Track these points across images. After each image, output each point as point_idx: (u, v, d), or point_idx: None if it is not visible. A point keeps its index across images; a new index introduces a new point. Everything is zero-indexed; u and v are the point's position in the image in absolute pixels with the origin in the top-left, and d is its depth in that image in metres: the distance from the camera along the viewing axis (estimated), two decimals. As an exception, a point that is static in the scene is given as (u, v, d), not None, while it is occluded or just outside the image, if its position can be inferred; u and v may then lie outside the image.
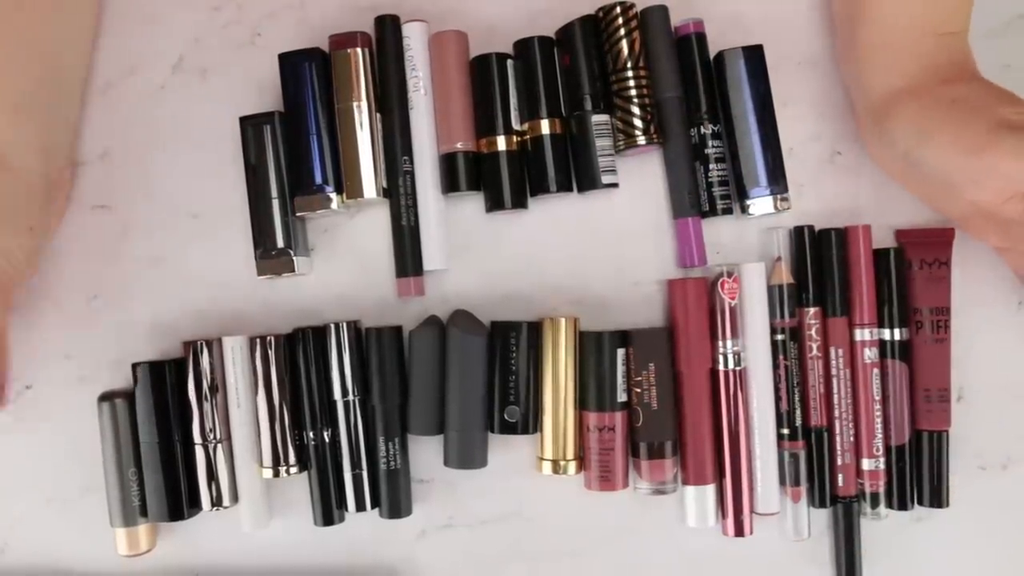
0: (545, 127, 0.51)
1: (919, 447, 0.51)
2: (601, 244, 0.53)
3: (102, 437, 0.51)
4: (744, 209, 0.51)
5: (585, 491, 0.51)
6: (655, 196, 0.53)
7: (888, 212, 0.52)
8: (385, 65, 0.51)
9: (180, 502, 0.50)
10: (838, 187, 0.53)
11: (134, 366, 0.50)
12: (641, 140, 0.50)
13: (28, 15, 0.48)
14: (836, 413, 0.51)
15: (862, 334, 0.51)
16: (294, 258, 0.50)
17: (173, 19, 0.54)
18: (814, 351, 0.50)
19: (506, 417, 0.50)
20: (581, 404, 0.51)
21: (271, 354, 0.50)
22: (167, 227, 0.53)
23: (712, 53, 0.51)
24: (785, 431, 0.50)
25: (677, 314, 0.50)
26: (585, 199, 0.52)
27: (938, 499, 0.51)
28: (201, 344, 0.50)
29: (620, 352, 0.50)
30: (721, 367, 0.50)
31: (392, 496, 0.51)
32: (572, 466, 0.51)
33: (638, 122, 0.50)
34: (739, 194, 0.51)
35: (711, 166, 0.51)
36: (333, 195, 0.50)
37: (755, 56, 0.50)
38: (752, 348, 0.50)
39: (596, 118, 0.50)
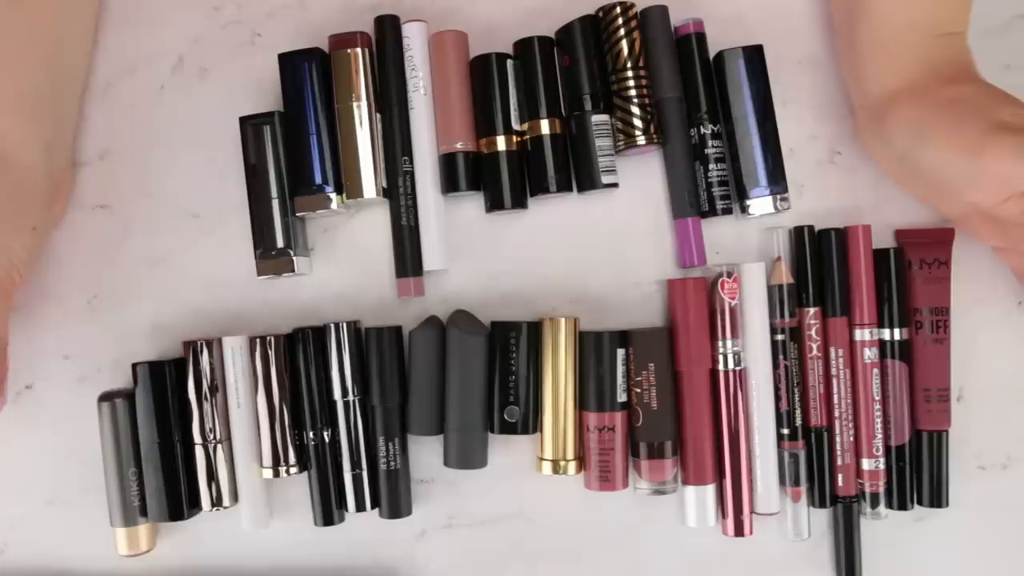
0: (545, 127, 0.51)
1: (919, 447, 0.51)
2: (601, 244, 0.53)
3: (102, 437, 0.51)
4: (744, 209, 0.51)
5: (585, 491, 0.51)
6: (655, 196, 0.53)
7: (888, 212, 0.52)
8: (385, 65, 0.51)
9: (180, 502, 0.50)
10: (838, 187, 0.53)
11: (134, 366, 0.50)
12: (641, 140, 0.50)
13: (31, 14, 0.48)
14: (836, 413, 0.51)
15: (862, 334, 0.51)
16: (294, 258, 0.50)
17: (173, 19, 0.54)
18: (814, 351, 0.50)
19: (506, 417, 0.50)
20: (581, 404, 0.51)
21: (271, 354, 0.50)
22: (167, 227, 0.53)
23: (712, 53, 0.51)
24: (785, 431, 0.50)
25: (677, 314, 0.50)
26: (585, 199, 0.52)
27: (938, 499, 0.51)
28: (201, 344, 0.50)
29: (620, 352, 0.50)
30: (721, 367, 0.50)
31: (392, 496, 0.51)
32: (572, 466, 0.51)
33: (638, 122, 0.50)
34: (739, 194, 0.51)
35: (711, 166, 0.51)
36: (333, 195, 0.50)
37: (755, 56, 0.50)
38: (752, 348, 0.50)
39: (596, 118, 0.50)
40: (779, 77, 0.51)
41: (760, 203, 0.50)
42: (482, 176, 0.51)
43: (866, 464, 0.51)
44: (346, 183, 0.50)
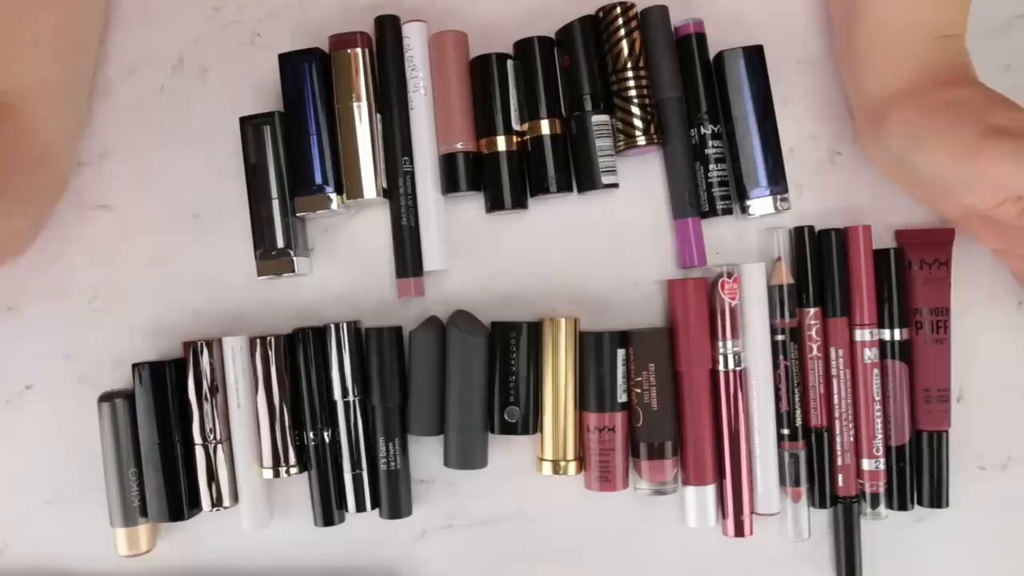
0: (545, 127, 0.51)
1: (919, 447, 0.51)
2: (601, 244, 0.53)
3: (102, 437, 0.51)
4: (744, 209, 0.51)
5: (585, 491, 0.51)
6: (655, 196, 0.53)
7: (888, 212, 0.52)
8: (385, 65, 0.51)
9: (180, 502, 0.50)
10: (838, 187, 0.53)
11: (134, 366, 0.50)
12: (641, 140, 0.50)
13: (66, 6, 0.49)
14: (836, 413, 0.51)
15: (862, 334, 0.51)
16: (294, 258, 0.50)
17: (173, 19, 0.54)
18: (814, 351, 0.50)
19: (506, 417, 0.50)
20: (581, 404, 0.51)
21: (271, 354, 0.50)
22: (167, 227, 0.53)
23: (712, 53, 0.51)
24: (785, 431, 0.50)
25: (677, 314, 0.50)
26: (585, 199, 0.52)
27: (938, 499, 0.51)
28: (201, 344, 0.50)
29: (620, 352, 0.50)
30: (721, 367, 0.50)
31: (392, 496, 0.51)
32: (572, 466, 0.51)
33: (638, 122, 0.50)
34: (739, 194, 0.51)
35: (711, 166, 0.51)
36: (333, 195, 0.50)
37: (755, 56, 0.50)
38: (752, 348, 0.50)
39: (596, 118, 0.50)
40: (779, 77, 0.51)
41: (760, 203, 0.50)
42: (482, 176, 0.51)
43: (866, 464, 0.51)
44: (346, 183, 0.50)
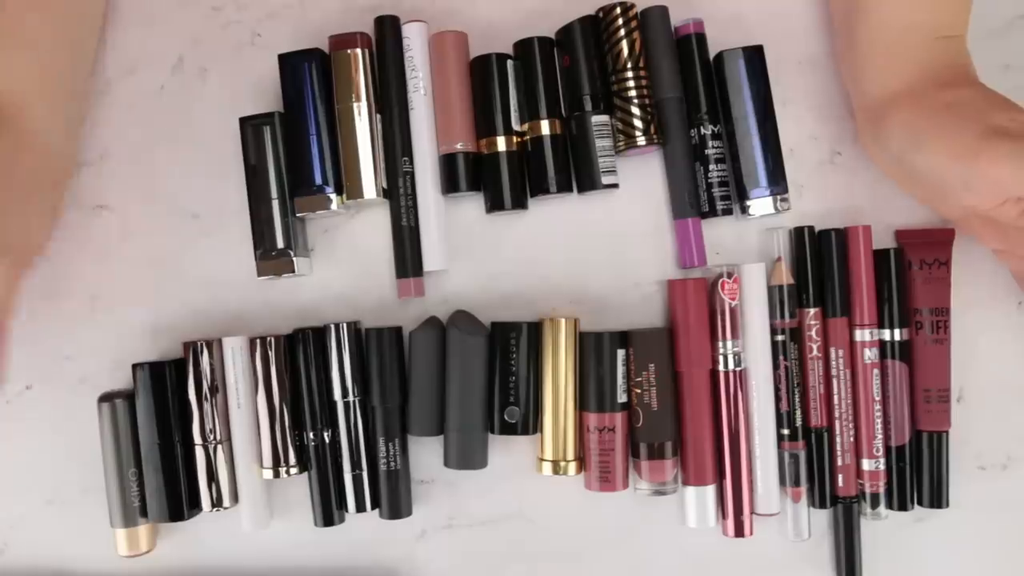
0: (545, 127, 0.51)
1: (919, 447, 0.51)
2: (601, 245, 0.53)
3: (102, 437, 0.51)
4: (744, 210, 0.51)
5: (585, 492, 0.51)
6: (655, 197, 0.53)
7: (888, 212, 0.52)
8: (385, 65, 0.51)
9: (180, 502, 0.50)
10: (838, 187, 0.53)
11: (134, 367, 0.50)
12: (641, 141, 0.50)
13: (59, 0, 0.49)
14: (836, 414, 0.51)
15: (862, 334, 0.51)
16: (294, 258, 0.50)
17: (173, 19, 0.54)
18: (814, 352, 0.50)
19: (506, 418, 0.50)
20: (581, 405, 0.51)
21: (271, 354, 0.50)
22: (167, 227, 0.53)
23: (712, 53, 0.51)
24: (785, 431, 0.50)
25: (677, 315, 0.50)
26: (585, 200, 0.52)
27: (938, 499, 0.51)
28: (201, 344, 0.50)
29: (620, 353, 0.50)
30: (721, 368, 0.50)
31: (392, 497, 0.51)
32: (572, 467, 0.51)
33: (638, 123, 0.50)
34: (739, 195, 0.51)
35: (711, 167, 0.51)
36: (333, 195, 0.50)
37: (755, 57, 0.50)
38: (752, 349, 0.50)
39: (596, 118, 0.50)
40: (779, 77, 0.51)
41: (760, 203, 0.50)
42: (482, 176, 0.51)
43: (866, 464, 0.51)
44: (346, 183, 0.50)
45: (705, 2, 0.52)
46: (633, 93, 0.50)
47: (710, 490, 0.51)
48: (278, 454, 0.50)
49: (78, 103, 0.52)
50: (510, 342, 0.50)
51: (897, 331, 0.51)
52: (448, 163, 0.51)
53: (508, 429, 0.50)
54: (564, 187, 0.51)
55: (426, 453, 0.53)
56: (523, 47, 0.51)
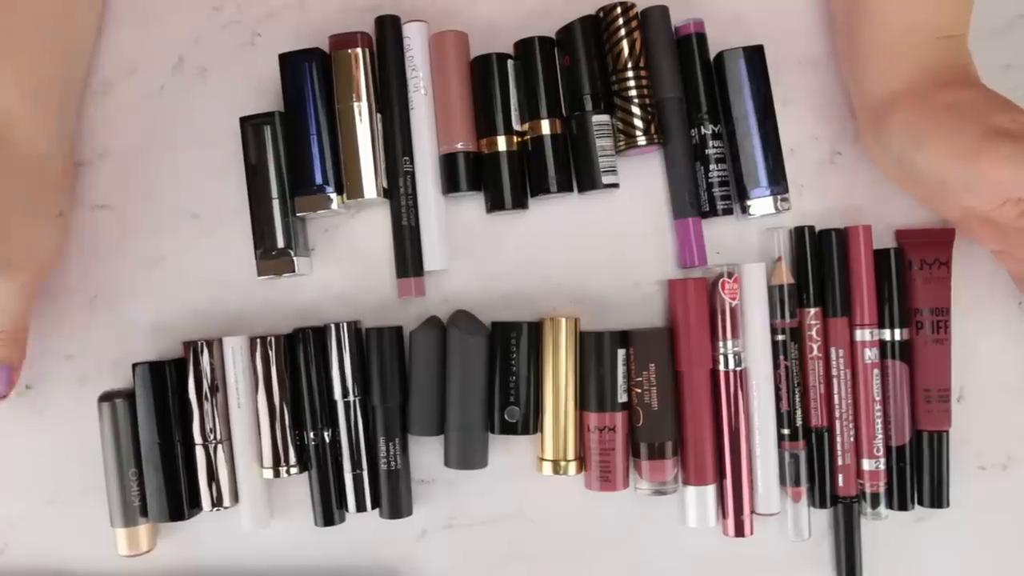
0: (545, 127, 0.51)
1: (919, 447, 0.51)
2: (601, 244, 0.53)
3: (102, 437, 0.51)
4: (744, 209, 0.51)
5: (586, 491, 0.51)
6: (655, 196, 0.53)
7: (888, 212, 0.52)
8: (385, 65, 0.51)
9: (180, 502, 0.50)
10: (838, 187, 0.53)
11: (134, 366, 0.50)
12: (641, 140, 0.50)
13: (50, 5, 0.48)
14: (836, 413, 0.51)
15: (862, 334, 0.51)
16: (294, 258, 0.50)
17: (173, 19, 0.54)
18: (815, 351, 0.50)
19: (506, 417, 0.50)
20: (581, 404, 0.51)
21: (271, 354, 0.50)
22: (167, 227, 0.53)
23: (712, 53, 0.51)
24: (785, 431, 0.50)
25: (677, 314, 0.50)
26: (585, 199, 0.52)
27: (938, 499, 0.51)
28: (201, 344, 0.50)
29: (620, 352, 0.50)
30: (721, 367, 0.50)
31: (392, 496, 0.51)
32: (572, 466, 0.51)
33: (638, 122, 0.50)
34: (739, 194, 0.51)
35: (711, 166, 0.51)
36: (333, 195, 0.50)
37: (755, 56, 0.50)
38: (752, 348, 0.50)
39: (596, 118, 0.50)
40: (779, 77, 0.51)
41: (761, 203, 0.50)
42: (483, 176, 0.51)
43: (866, 464, 0.51)
44: (346, 183, 0.50)
45: (705, 2, 0.52)
46: (633, 93, 0.50)
47: (710, 490, 0.51)
48: (278, 454, 0.50)
49: (72, 106, 0.52)
50: (510, 342, 0.50)
51: (897, 331, 0.51)
52: (448, 163, 0.51)
53: (508, 429, 0.50)
54: (564, 187, 0.51)
55: (426, 453, 0.53)
56: (523, 47, 0.51)
